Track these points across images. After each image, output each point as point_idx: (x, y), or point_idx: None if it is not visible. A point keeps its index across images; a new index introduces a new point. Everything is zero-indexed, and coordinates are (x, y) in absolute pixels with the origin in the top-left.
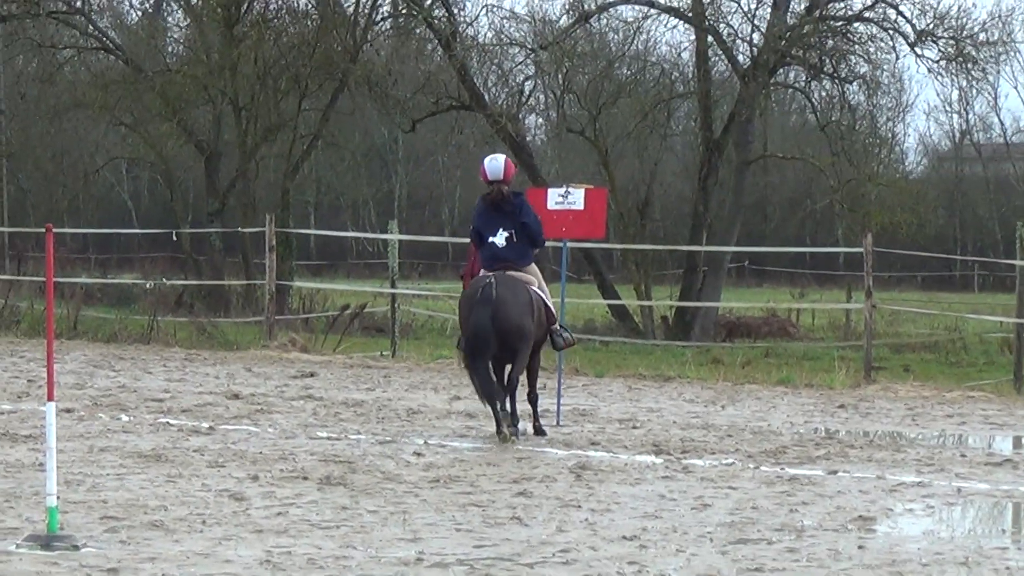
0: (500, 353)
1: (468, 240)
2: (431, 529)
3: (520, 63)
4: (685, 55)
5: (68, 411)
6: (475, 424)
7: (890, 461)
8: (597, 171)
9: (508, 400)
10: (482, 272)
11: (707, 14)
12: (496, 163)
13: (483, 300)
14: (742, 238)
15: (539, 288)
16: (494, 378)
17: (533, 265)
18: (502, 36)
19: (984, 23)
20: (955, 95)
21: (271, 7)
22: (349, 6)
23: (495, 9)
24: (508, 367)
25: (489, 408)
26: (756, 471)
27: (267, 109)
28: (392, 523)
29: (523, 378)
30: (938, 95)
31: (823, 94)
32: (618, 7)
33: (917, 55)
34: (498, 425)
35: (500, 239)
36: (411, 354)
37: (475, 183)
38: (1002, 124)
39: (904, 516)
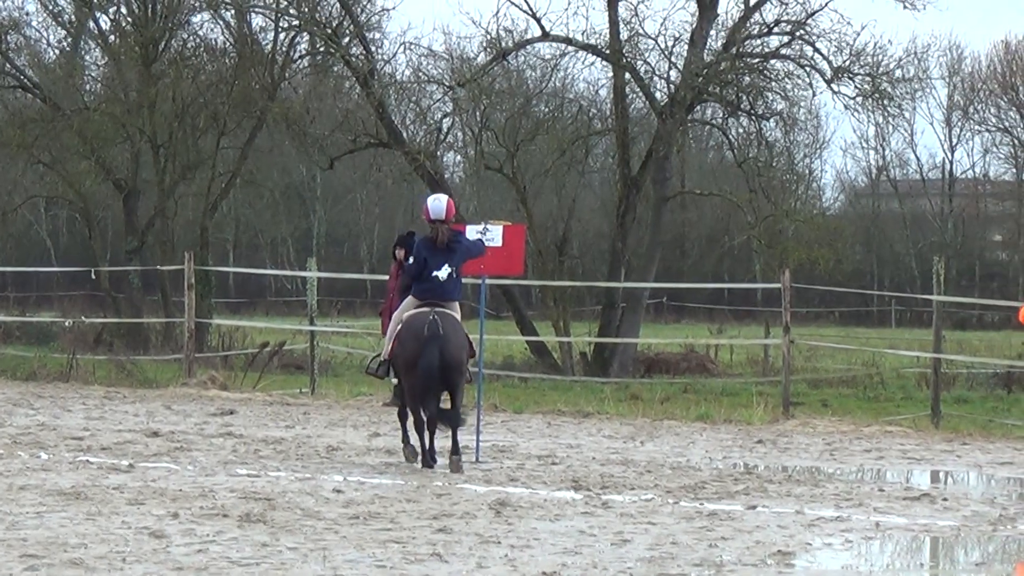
0: (438, 388)
1: (387, 277)
2: (351, 566)
3: (438, 100)
4: (603, 92)
5: None
6: (394, 460)
7: (808, 496)
8: (515, 208)
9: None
10: (413, 304)
11: (624, 51)
12: (439, 203)
13: (432, 337)
14: (660, 274)
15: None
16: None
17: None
18: (420, 73)
19: (900, 59)
20: (871, 131)
21: (189, 45)
22: (267, 44)
23: (413, 47)
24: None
25: (422, 441)
26: (675, 506)
27: (185, 147)
28: (312, 560)
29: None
30: (855, 131)
31: (740, 131)
32: (535, 44)
33: (834, 92)
34: (429, 455)
35: (443, 274)
36: (330, 391)
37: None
38: (918, 160)
39: (823, 551)
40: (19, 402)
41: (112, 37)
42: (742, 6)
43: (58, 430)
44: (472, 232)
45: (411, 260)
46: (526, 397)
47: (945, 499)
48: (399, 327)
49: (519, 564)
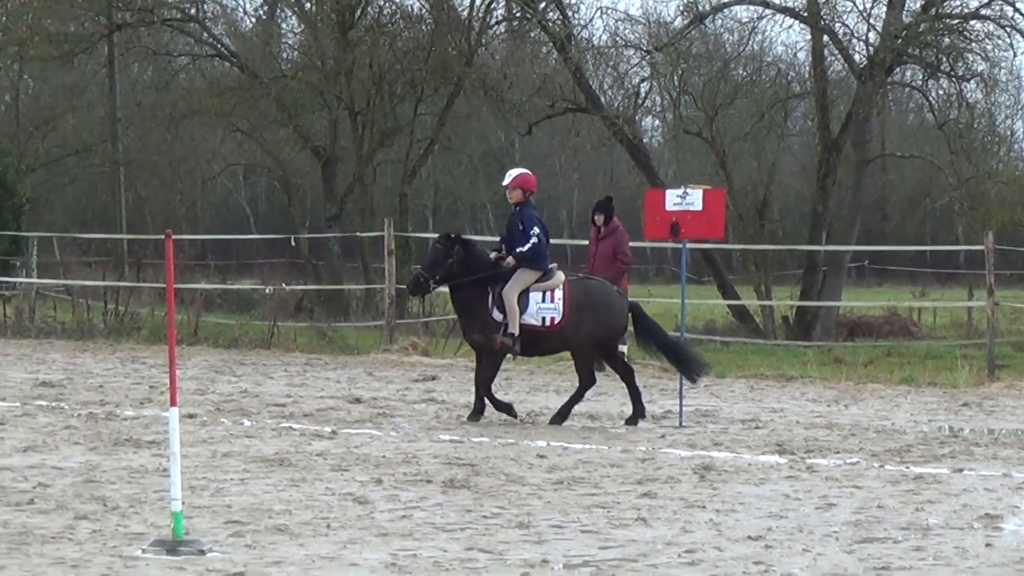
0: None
1: (586, 242)
2: (556, 531)
3: (635, 65)
4: (801, 55)
5: (191, 417)
6: (597, 426)
7: (1016, 459)
8: (715, 172)
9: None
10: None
11: (822, 14)
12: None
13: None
14: (861, 237)
15: None
16: None
17: None
18: (617, 38)
19: None
20: None
21: (385, 12)
22: (463, 10)
23: (609, 11)
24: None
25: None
26: (881, 470)
27: (383, 114)
28: (516, 525)
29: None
30: None
31: (940, 92)
32: (733, 8)
33: None
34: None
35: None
36: (532, 357)
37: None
38: None
39: None
40: (222, 369)
41: (308, 4)
42: None
43: (260, 397)
44: (672, 196)
45: (538, 231)
46: (728, 361)
47: None
48: (568, 292)
49: (724, 528)
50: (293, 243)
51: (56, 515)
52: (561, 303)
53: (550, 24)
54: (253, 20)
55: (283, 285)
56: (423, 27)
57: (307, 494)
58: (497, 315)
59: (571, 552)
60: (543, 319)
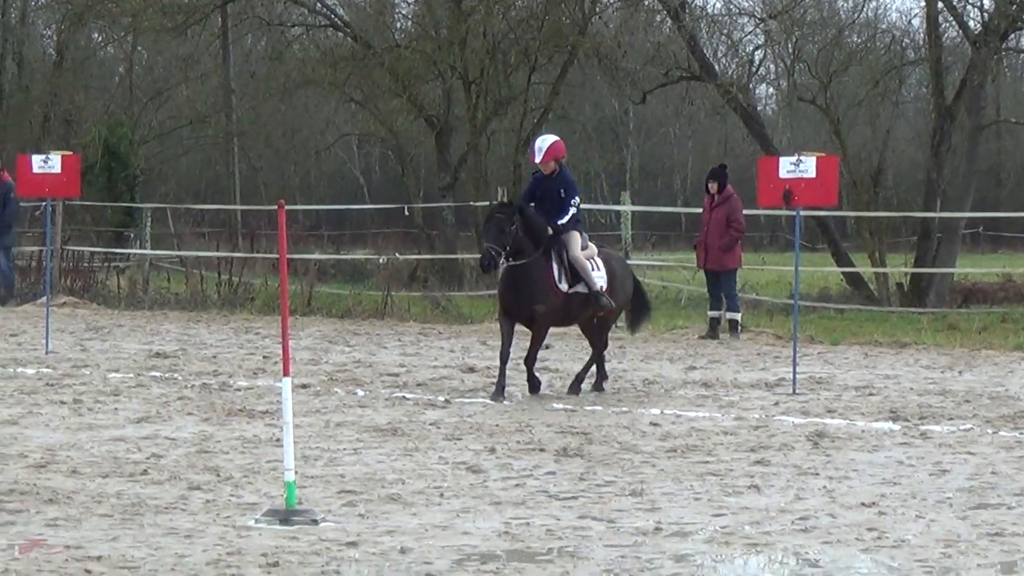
0: None
1: (700, 210)
2: (669, 499)
3: (749, 33)
4: (915, 22)
5: (304, 387)
6: (710, 393)
7: None
8: (829, 139)
9: None
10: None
11: None
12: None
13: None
14: (976, 204)
15: None
16: None
17: None
18: (731, 6)
19: None
20: None
21: None
22: None
23: None
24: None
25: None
26: (995, 436)
27: (497, 83)
28: (629, 493)
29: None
30: None
31: None
32: None
33: None
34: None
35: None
36: (646, 325)
37: (708, 153)
38: None
39: None
40: (335, 339)
41: None
42: None
43: (374, 367)
44: (786, 164)
45: (578, 199)
46: (842, 328)
47: None
48: (610, 262)
49: (837, 495)
50: (407, 213)
51: (169, 485)
52: (605, 270)
53: None
54: None
55: (396, 255)
56: None
57: (420, 463)
58: (563, 284)
59: (683, 519)
60: (600, 287)
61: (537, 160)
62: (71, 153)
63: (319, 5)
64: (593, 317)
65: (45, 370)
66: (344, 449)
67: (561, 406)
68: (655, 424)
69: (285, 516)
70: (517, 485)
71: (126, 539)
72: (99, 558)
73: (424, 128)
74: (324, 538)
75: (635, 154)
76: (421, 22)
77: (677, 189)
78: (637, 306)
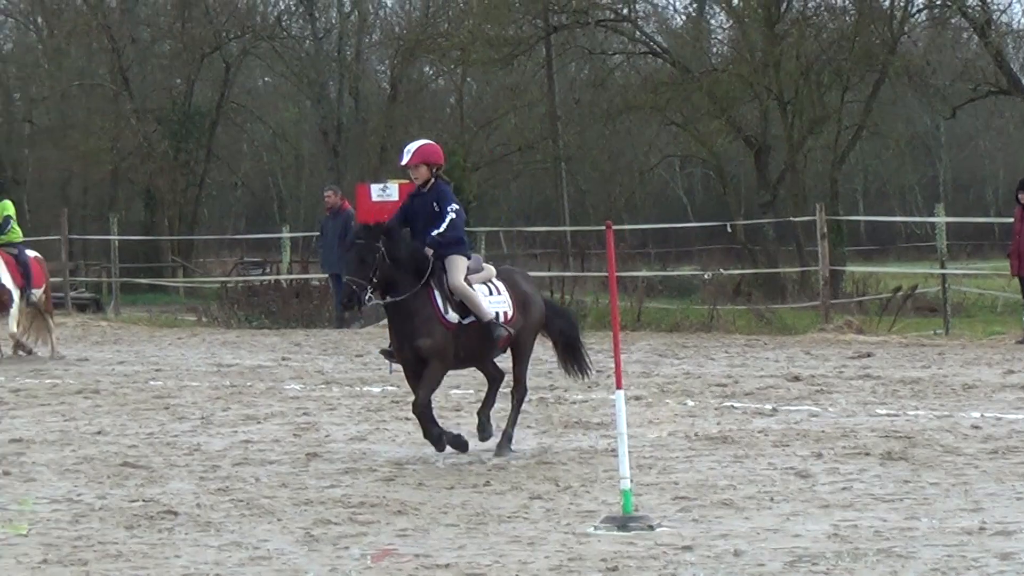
0: None
1: (1011, 220)
2: (992, 499)
3: None
4: None
5: (637, 398)
6: None
7: None
8: None
9: None
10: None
11: None
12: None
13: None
14: None
15: None
16: None
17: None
18: None
19: None
20: None
21: (810, 5)
22: (885, 1)
23: None
24: None
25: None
26: None
27: (811, 103)
28: (954, 494)
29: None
30: None
31: None
32: None
33: None
34: None
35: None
36: (964, 331)
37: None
38: None
39: None
40: (664, 352)
41: (736, 0)
42: None
43: (703, 378)
44: None
45: (457, 207)
46: None
47: None
48: (513, 282)
49: None
50: (729, 229)
51: (511, 495)
52: (508, 295)
53: (970, 10)
54: (683, 17)
55: (721, 270)
56: (847, 18)
57: (750, 469)
58: (452, 315)
59: (1007, 519)
60: (496, 315)
61: (404, 162)
62: (408, 181)
63: (638, 34)
64: (505, 348)
65: (390, 388)
66: (677, 457)
67: (885, 411)
68: (976, 427)
69: (622, 522)
70: (844, 488)
71: (472, 547)
72: (447, 566)
73: (743, 148)
74: (660, 543)
75: (947, 167)
76: (736, 46)
77: (989, 200)
78: (564, 341)
